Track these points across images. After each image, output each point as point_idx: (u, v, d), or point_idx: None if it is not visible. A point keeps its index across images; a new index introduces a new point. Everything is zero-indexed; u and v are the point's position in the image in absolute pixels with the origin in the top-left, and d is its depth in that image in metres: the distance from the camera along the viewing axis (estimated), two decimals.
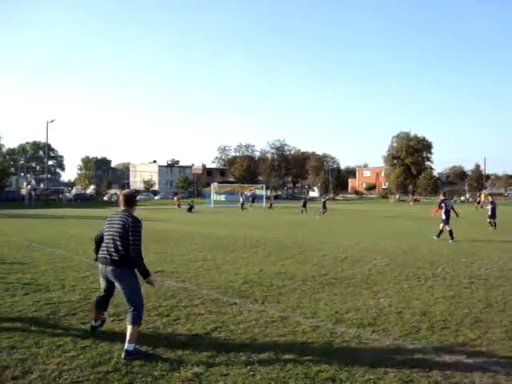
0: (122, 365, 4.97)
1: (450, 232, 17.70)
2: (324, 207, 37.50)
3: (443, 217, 18.35)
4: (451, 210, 18.51)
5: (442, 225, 18.32)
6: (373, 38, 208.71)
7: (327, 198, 46.61)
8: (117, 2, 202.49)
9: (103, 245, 5.61)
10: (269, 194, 62.63)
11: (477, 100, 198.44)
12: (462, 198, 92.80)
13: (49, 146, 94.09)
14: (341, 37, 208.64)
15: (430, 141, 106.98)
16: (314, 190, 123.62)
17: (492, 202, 24.09)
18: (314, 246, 15.81)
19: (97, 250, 5.78)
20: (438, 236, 18.11)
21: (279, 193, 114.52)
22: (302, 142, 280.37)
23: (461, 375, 4.81)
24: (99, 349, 5.45)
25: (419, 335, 6.09)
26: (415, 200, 79.41)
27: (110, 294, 5.91)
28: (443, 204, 18.59)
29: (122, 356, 5.16)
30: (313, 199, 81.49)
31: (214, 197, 64.44)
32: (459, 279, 10.00)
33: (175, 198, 45.46)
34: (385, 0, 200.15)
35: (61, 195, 79.01)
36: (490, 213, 23.84)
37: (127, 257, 5.38)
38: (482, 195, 61.89)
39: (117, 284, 5.53)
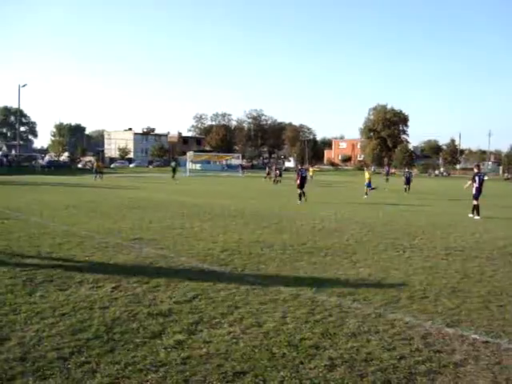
0: (102, 332, 4.87)
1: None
2: (279, 175, 41.39)
3: (474, 192, 16.95)
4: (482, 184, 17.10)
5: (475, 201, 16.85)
6: (351, 9, 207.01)
7: (280, 166, 48.56)
8: None
9: None
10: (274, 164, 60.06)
11: (453, 75, 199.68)
12: (437, 172, 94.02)
13: (21, 111, 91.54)
14: (319, 8, 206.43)
15: (406, 114, 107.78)
16: (289, 161, 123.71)
17: (407, 173, 32.67)
18: (291, 216, 15.82)
19: None
20: (473, 212, 16.79)
21: (255, 162, 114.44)
22: (279, 112, 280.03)
23: (441, 343, 4.86)
24: (79, 316, 5.33)
25: (399, 304, 6.12)
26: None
27: None
28: (476, 177, 17.09)
29: None
30: (287, 169, 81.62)
31: (189, 165, 64.05)
32: (436, 251, 10.11)
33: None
34: None
35: (33, 162, 77.38)
36: (405, 181, 31.65)
37: None
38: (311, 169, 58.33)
39: None
